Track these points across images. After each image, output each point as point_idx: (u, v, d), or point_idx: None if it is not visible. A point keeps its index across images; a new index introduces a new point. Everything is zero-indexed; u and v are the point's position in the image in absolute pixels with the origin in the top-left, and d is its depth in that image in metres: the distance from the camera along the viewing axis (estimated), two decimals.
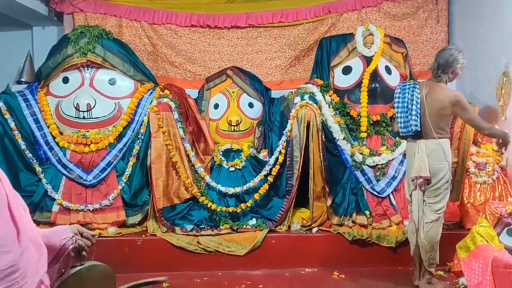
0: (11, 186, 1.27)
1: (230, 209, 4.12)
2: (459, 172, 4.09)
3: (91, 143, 4.19)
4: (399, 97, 3.36)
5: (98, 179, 4.16)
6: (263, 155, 4.39)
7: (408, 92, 3.31)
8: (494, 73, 4.14)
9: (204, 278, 3.71)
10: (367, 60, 4.48)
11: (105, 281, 1.64)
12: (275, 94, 4.79)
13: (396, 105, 3.39)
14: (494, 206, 3.57)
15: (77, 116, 4.24)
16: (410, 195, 3.40)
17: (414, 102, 3.26)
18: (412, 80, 4.24)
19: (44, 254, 1.35)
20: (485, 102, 4.36)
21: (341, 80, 4.55)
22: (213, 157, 4.41)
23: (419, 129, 3.25)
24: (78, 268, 1.56)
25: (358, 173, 4.20)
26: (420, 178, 3.26)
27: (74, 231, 1.57)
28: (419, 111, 3.25)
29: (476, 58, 4.43)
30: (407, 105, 3.29)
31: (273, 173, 4.14)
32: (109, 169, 4.18)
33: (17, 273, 1.19)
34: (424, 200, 3.31)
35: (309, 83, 4.53)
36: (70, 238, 1.54)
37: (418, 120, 3.24)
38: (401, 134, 3.39)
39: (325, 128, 4.18)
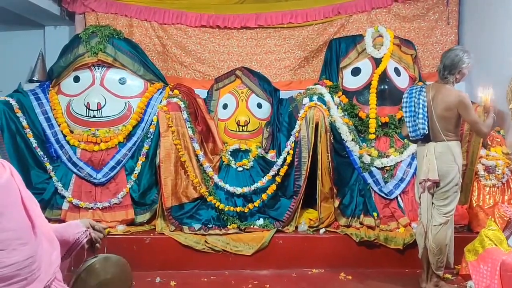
0: (23, 182, 1.30)
1: (238, 209, 4.13)
2: (468, 175, 4.06)
3: (101, 141, 4.23)
4: (406, 102, 3.37)
5: (108, 177, 4.20)
6: (271, 155, 4.40)
7: (414, 96, 3.31)
8: (504, 76, 4.11)
9: (211, 277, 3.73)
10: (376, 61, 4.48)
11: (121, 271, 1.67)
12: (283, 94, 4.80)
13: (404, 110, 3.39)
14: (503, 209, 3.56)
15: (87, 115, 4.28)
16: (420, 198, 3.39)
17: (421, 105, 3.25)
18: (421, 83, 4.23)
19: (57, 248, 1.37)
20: (495, 105, 4.30)
21: (350, 82, 4.55)
22: (221, 157, 4.43)
23: (427, 132, 3.25)
24: (92, 261, 1.59)
25: (366, 175, 4.19)
26: (428, 181, 3.25)
27: (86, 225, 1.60)
28: (426, 114, 3.24)
29: (486, 60, 4.40)
30: (414, 109, 3.29)
31: (281, 173, 4.14)
32: (118, 167, 4.22)
33: (34, 264, 1.22)
34: (433, 203, 3.30)
35: (318, 84, 4.53)
36: (84, 232, 1.57)
37: (426, 123, 3.24)
38: (411, 138, 3.40)
39: (333, 129, 4.18)
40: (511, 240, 3.30)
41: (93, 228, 1.62)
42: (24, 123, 4.16)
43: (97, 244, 1.61)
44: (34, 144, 4.16)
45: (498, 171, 3.99)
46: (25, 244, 1.20)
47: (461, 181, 3.36)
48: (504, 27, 4.27)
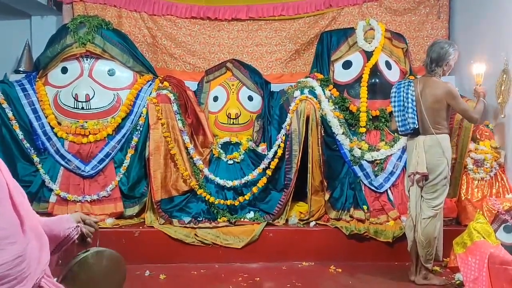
0: (10, 175, 1.26)
1: (228, 202, 4.12)
2: (457, 168, 4.10)
3: (90, 134, 4.18)
4: (394, 96, 3.39)
5: (96, 170, 4.15)
6: (261, 148, 4.38)
7: (403, 91, 3.33)
8: (494, 70, 4.13)
9: (201, 271, 3.71)
10: (368, 55, 4.48)
11: (115, 266, 1.64)
12: (274, 87, 4.78)
13: (392, 104, 3.42)
14: (492, 202, 3.58)
15: (75, 107, 4.22)
16: (409, 191, 3.41)
17: (410, 100, 3.28)
18: (412, 77, 4.25)
19: (46, 244, 1.33)
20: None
21: (341, 75, 4.54)
22: (211, 150, 4.41)
23: (417, 127, 3.26)
24: (84, 255, 1.56)
25: (356, 168, 4.20)
26: (417, 174, 3.27)
27: (77, 219, 1.56)
28: (415, 108, 3.27)
29: (476, 55, 4.42)
30: (403, 103, 3.31)
31: (272, 166, 4.13)
32: (107, 160, 4.18)
33: (24, 263, 1.18)
34: (422, 196, 3.33)
35: (309, 77, 4.52)
36: (75, 228, 1.52)
37: (415, 117, 3.26)
38: (400, 133, 3.42)
39: (324, 122, 4.18)
40: (499, 233, 3.34)
41: (84, 222, 1.58)
42: (10, 114, 4.09)
43: (88, 239, 1.58)
44: (21, 136, 4.09)
45: (486, 165, 4.03)
46: (14, 243, 1.16)
47: (450, 174, 3.39)
48: (494, 21, 4.29)
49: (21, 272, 1.17)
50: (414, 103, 3.27)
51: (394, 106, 3.37)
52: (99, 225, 3.84)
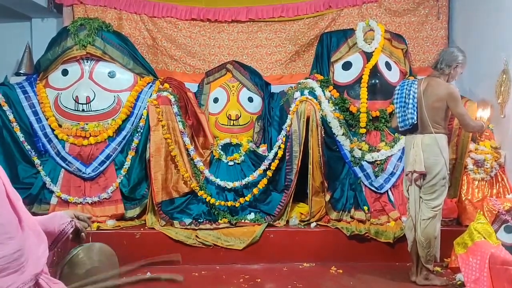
0: (6, 176, 1.29)
1: (229, 203, 4.13)
2: (458, 168, 4.10)
3: (90, 136, 4.19)
4: (397, 94, 3.42)
5: (97, 172, 4.16)
6: (262, 149, 4.39)
7: (406, 88, 3.37)
8: (493, 70, 4.15)
9: (202, 272, 3.72)
10: (367, 56, 4.49)
11: (107, 258, 1.66)
12: (275, 88, 4.79)
13: (395, 101, 3.45)
14: (492, 203, 3.59)
15: (76, 109, 4.22)
16: (408, 191, 3.42)
17: (411, 96, 3.32)
18: (412, 77, 4.26)
19: (45, 241, 1.36)
20: (484, 99, 4.36)
21: (341, 76, 4.54)
22: (212, 151, 4.41)
23: (416, 122, 3.28)
24: (77, 250, 1.59)
25: (357, 169, 4.21)
26: (414, 173, 3.28)
27: (70, 215, 1.59)
28: (415, 104, 3.30)
29: (476, 55, 4.42)
30: (404, 100, 3.34)
31: (272, 167, 4.14)
32: (108, 162, 4.18)
33: (22, 257, 1.21)
34: (421, 197, 3.33)
35: (309, 78, 4.53)
36: (69, 223, 1.55)
37: (415, 113, 3.28)
38: (400, 129, 3.43)
39: (324, 123, 4.19)
40: (499, 233, 3.35)
41: (78, 218, 1.61)
42: (11, 116, 4.09)
43: (82, 234, 1.60)
44: (21, 138, 4.10)
45: (486, 165, 4.03)
46: (12, 238, 1.19)
47: (449, 173, 3.40)
48: (493, 21, 4.29)
49: (20, 266, 1.20)
50: (416, 100, 3.30)
51: (396, 103, 3.41)
52: (98, 226, 3.84)
